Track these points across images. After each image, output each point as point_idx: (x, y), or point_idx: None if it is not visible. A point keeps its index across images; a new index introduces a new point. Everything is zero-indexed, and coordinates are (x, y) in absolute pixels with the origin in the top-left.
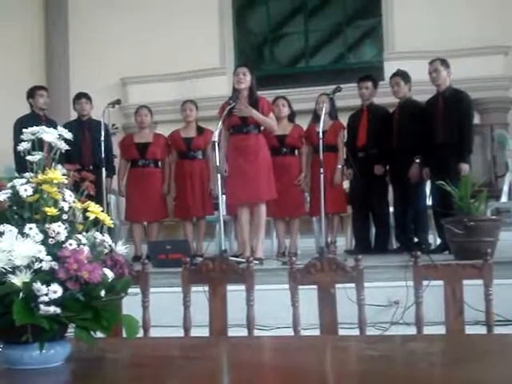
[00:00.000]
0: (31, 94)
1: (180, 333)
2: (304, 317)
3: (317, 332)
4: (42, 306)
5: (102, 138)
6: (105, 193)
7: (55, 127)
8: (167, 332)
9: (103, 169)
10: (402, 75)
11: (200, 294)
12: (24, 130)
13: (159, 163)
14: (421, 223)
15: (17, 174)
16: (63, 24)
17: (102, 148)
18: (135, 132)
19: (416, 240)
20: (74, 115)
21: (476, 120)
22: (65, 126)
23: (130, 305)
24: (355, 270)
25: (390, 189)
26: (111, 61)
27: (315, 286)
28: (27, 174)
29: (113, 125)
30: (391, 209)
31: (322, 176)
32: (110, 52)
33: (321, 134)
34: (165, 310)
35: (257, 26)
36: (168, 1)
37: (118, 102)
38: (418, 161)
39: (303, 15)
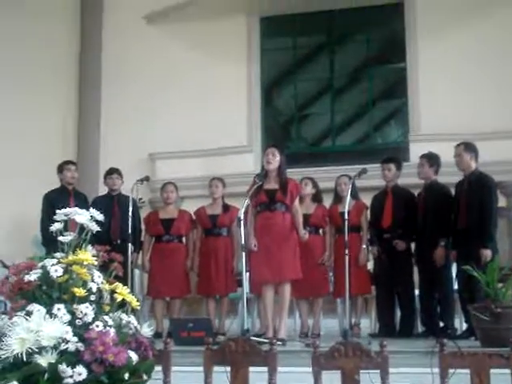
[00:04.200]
0: (60, 169)
1: None
2: None
3: None
4: None
5: (130, 214)
6: (130, 268)
7: (84, 200)
8: None
9: (129, 244)
10: (428, 157)
11: (222, 374)
12: (57, 212)
13: (183, 239)
14: (447, 307)
15: (43, 248)
16: (96, 99)
17: (130, 223)
18: (161, 207)
19: (442, 324)
20: (102, 189)
21: (501, 203)
22: (95, 201)
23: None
24: (380, 356)
25: (416, 270)
26: (140, 136)
27: (339, 371)
28: (58, 254)
29: (139, 199)
30: (416, 291)
31: (347, 257)
32: (140, 127)
33: (346, 215)
34: None
35: (284, 105)
36: (198, 80)
37: (146, 178)
38: (442, 243)
39: (330, 95)
